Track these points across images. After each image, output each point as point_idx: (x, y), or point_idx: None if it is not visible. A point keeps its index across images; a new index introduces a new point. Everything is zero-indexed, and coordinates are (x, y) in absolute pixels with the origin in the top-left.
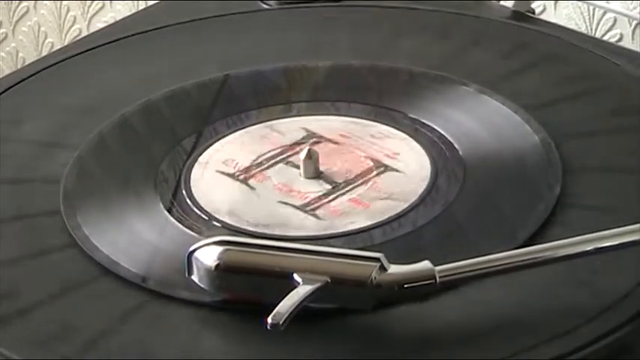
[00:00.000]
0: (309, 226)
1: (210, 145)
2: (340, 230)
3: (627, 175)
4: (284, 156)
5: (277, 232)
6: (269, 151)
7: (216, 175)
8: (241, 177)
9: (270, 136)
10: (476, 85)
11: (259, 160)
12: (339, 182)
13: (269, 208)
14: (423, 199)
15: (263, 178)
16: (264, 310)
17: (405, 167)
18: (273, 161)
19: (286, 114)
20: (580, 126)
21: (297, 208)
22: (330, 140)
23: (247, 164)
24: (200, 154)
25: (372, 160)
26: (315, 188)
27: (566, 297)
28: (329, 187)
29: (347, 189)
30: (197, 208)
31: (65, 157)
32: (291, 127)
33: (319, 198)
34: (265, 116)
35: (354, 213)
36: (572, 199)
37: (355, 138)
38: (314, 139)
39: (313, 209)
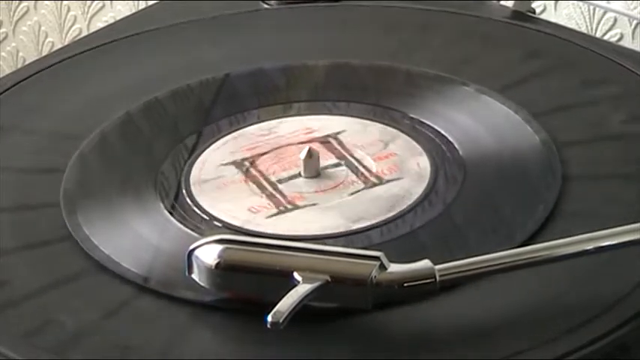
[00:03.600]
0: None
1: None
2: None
3: (627, 175)
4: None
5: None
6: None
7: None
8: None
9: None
10: (476, 85)
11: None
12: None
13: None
14: (422, 199)
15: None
16: (264, 309)
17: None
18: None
19: (287, 113)
20: (580, 126)
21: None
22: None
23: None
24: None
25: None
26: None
27: (566, 297)
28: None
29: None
30: (197, 207)
31: (66, 156)
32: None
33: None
34: (265, 115)
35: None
36: (572, 199)
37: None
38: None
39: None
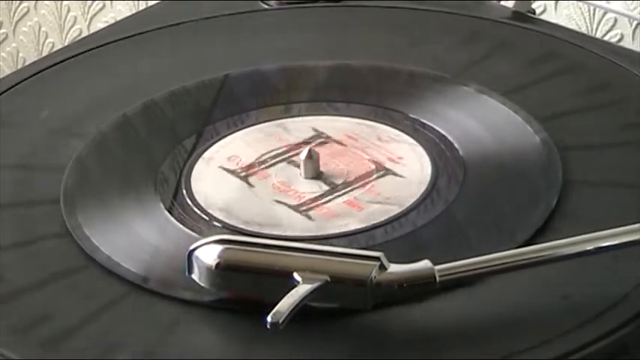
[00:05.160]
0: (300, 226)
1: (216, 141)
2: (330, 232)
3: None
4: (287, 155)
5: (267, 230)
6: (274, 150)
7: (218, 171)
8: (242, 174)
9: (277, 134)
10: (476, 85)
11: (263, 158)
12: (338, 184)
13: (263, 207)
14: (423, 200)
15: (264, 176)
16: (263, 309)
17: (406, 171)
18: (276, 160)
19: (288, 114)
20: (580, 126)
21: (291, 207)
22: (336, 141)
23: (250, 161)
24: (205, 150)
25: (375, 163)
26: (312, 189)
27: (566, 297)
28: (327, 188)
29: (344, 191)
30: (197, 208)
31: (66, 156)
32: (300, 127)
33: (315, 199)
34: (265, 116)
35: (347, 215)
36: (572, 199)
37: (361, 140)
38: (320, 140)
39: (307, 210)
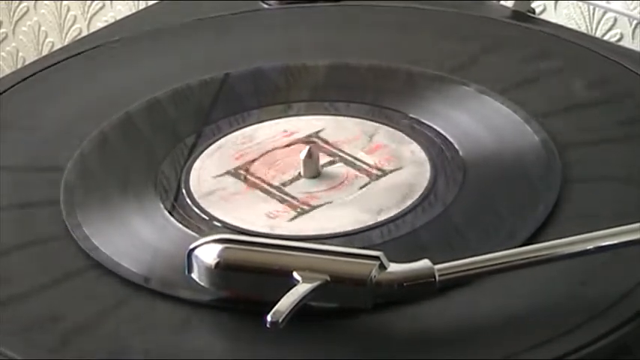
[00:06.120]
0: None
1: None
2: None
3: (627, 175)
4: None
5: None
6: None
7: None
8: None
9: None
10: (476, 84)
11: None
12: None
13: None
14: (422, 200)
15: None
16: (263, 309)
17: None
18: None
19: (287, 113)
20: (580, 126)
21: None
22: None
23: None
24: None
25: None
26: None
27: (566, 297)
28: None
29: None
30: (197, 207)
31: (66, 156)
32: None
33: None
34: (265, 115)
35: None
36: (572, 199)
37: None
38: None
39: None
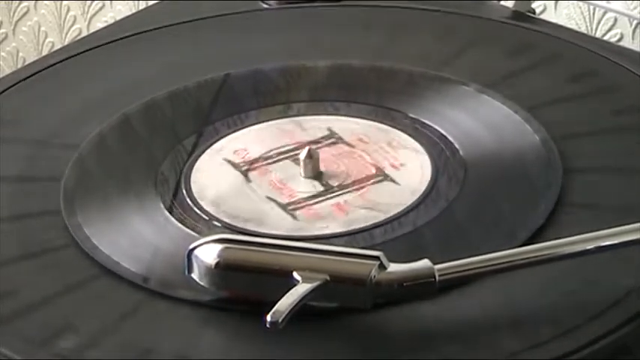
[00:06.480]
0: (283, 225)
1: (224, 136)
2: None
3: (627, 175)
4: (293, 153)
5: (250, 227)
6: (282, 147)
7: (222, 164)
8: (244, 168)
9: (291, 131)
10: (476, 85)
11: (269, 154)
12: (333, 185)
13: (253, 203)
14: (422, 199)
15: (264, 172)
16: (263, 309)
17: (404, 176)
18: (281, 157)
19: (287, 113)
20: (580, 126)
21: (280, 206)
22: (346, 143)
23: (256, 156)
24: (211, 145)
25: (376, 167)
26: (307, 188)
27: (566, 297)
28: (321, 189)
29: (337, 193)
30: (197, 207)
31: (65, 156)
32: (315, 125)
33: (307, 199)
34: (265, 116)
35: (331, 218)
36: (572, 198)
37: (372, 143)
38: (332, 140)
39: (294, 209)
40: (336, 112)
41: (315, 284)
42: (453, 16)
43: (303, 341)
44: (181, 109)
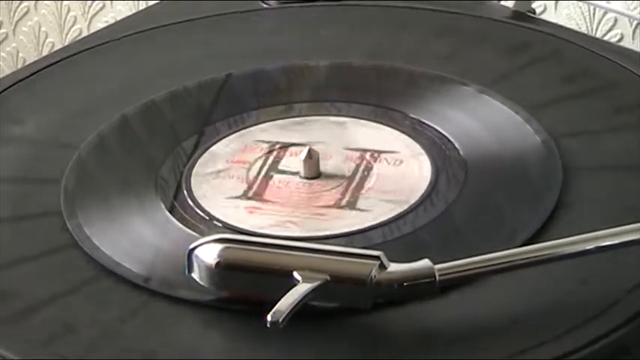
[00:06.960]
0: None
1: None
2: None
3: (627, 175)
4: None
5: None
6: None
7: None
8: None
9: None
10: (476, 85)
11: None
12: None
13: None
14: (424, 199)
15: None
16: (263, 309)
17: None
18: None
19: (288, 114)
20: (580, 126)
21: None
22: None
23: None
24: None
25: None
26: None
27: (566, 297)
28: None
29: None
30: (198, 208)
31: (66, 157)
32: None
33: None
34: (266, 116)
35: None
36: (573, 199)
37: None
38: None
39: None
40: (334, 113)
41: (315, 284)
42: (454, 16)
43: (303, 341)
44: (182, 109)
